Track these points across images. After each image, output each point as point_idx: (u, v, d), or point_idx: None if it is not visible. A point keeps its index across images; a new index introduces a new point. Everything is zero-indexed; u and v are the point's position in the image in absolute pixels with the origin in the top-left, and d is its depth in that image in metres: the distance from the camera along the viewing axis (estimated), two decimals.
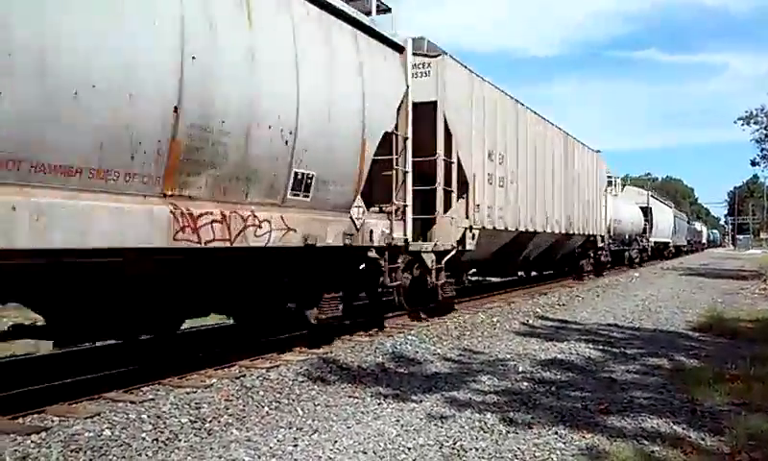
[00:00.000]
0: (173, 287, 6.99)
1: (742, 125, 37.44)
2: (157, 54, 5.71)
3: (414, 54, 10.84)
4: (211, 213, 6.36)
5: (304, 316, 8.52)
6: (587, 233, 22.59)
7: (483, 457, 4.77)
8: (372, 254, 9.56)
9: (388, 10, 10.18)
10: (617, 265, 30.11)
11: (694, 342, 10.05)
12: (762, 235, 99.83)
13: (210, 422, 5.49)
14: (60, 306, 6.39)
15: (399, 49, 10.04)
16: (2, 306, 6.96)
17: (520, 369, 7.77)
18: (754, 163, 43.27)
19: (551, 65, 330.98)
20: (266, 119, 6.93)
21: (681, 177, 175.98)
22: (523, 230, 15.80)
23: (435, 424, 5.48)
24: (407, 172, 10.17)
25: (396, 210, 9.93)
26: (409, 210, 10.23)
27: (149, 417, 5.40)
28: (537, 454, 4.82)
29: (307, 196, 7.81)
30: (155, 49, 5.68)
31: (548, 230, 17.89)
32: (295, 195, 7.59)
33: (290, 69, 7.31)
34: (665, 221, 46.09)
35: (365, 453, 4.79)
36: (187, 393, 6.20)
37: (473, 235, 12.68)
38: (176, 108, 5.86)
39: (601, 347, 9.38)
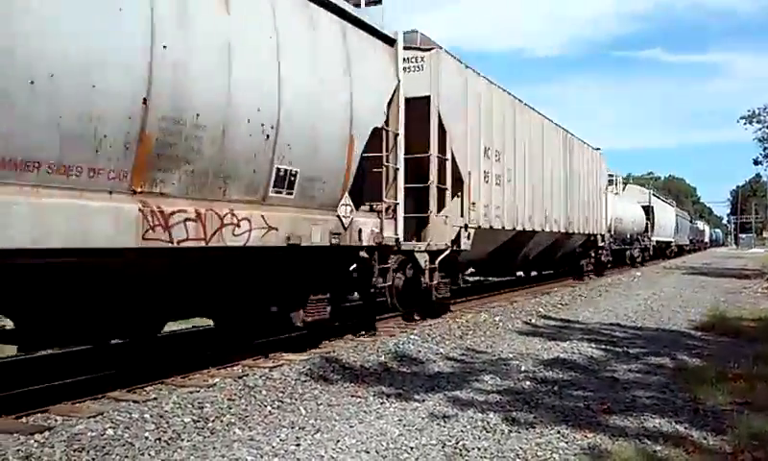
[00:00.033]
0: (147, 289, 6.65)
1: (745, 124, 37.09)
2: (124, 40, 5.38)
3: (406, 48, 10.58)
4: (185, 211, 6.02)
5: (289, 319, 8.19)
6: (587, 233, 22.29)
7: (485, 457, 4.76)
8: (363, 253, 9.24)
9: (378, 1, 9.88)
10: (619, 265, 29.93)
11: (697, 341, 10.01)
12: (765, 234, 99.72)
13: (213, 421, 5.48)
14: (24, 310, 6.06)
15: (390, 42, 9.72)
16: None
17: (523, 368, 7.75)
18: (756, 162, 42.88)
19: (556, 65, 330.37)
20: (245, 112, 6.61)
21: (683, 176, 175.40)
22: (521, 229, 15.46)
23: (437, 424, 5.46)
24: (398, 169, 9.85)
25: (387, 209, 9.60)
26: (400, 209, 9.91)
27: (152, 416, 5.37)
28: (539, 454, 4.80)
29: (291, 193, 7.47)
30: (120, 36, 5.34)
31: (547, 230, 17.56)
32: (277, 192, 7.26)
33: (271, 60, 6.97)
34: (667, 220, 45.86)
35: (367, 453, 4.79)
36: (190, 392, 6.17)
37: (469, 235, 12.36)
38: (145, 99, 5.54)
39: (603, 346, 9.36)
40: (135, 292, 6.55)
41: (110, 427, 5.04)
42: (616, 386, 6.92)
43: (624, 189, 38.70)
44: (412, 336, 9.46)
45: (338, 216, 8.36)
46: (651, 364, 8.09)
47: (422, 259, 11.16)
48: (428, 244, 11.32)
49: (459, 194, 12.24)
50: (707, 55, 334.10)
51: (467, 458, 4.73)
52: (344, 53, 8.33)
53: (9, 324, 7.09)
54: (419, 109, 11.05)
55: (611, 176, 31.24)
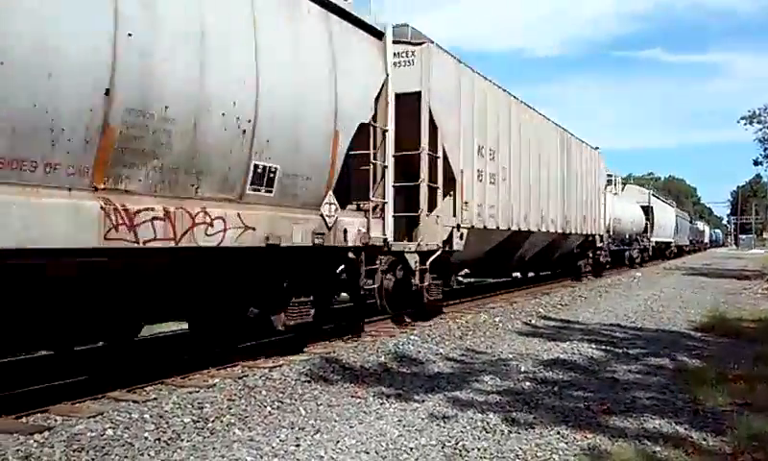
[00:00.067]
0: (114, 292, 6.29)
1: (745, 124, 36.77)
2: (84, 25, 5.03)
3: (396, 42, 10.25)
4: (152, 209, 5.68)
5: (270, 322, 7.84)
6: (585, 233, 21.94)
7: (485, 457, 4.75)
8: (351, 254, 8.90)
9: None
10: (618, 265, 29.65)
11: (697, 342, 9.94)
12: (765, 235, 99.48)
13: (213, 421, 5.45)
14: None
15: (378, 35, 9.37)
16: None
17: (523, 369, 7.71)
18: (756, 163, 42.55)
19: (556, 65, 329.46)
20: (218, 105, 6.26)
21: (683, 176, 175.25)
22: (516, 229, 15.10)
23: (437, 424, 5.44)
24: (387, 166, 9.50)
25: (375, 208, 9.26)
26: (389, 208, 9.56)
27: (151, 416, 5.36)
28: (539, 454, 4.79)
29: (270, 191, 7.12)
30: (80, 21, 5.00)
31: (543, 230, 17.20)
32: (255, 190, 6.91)
33: (248, 50, 6.63)
34: (667, 220, 45.57)
35: (367, 453, 4.77)
36: (190, 392, 6.14)
37: (461, 235, 12.00)
38: (108, 90, 5.21)
39: (603, 347, 9.29)
40: (102, 295, 6.19)
41: (110, 427, 5.05)
42: (616, 387, 6.89)
43: (623, 189, 38.40)
44: (412, 337, 9.38)
45: (321, 215, 8.01)
46: (651, 365, 8.05)
47: (413, 260, 10.82)
48: (419, 244, 10.97)
49: (451, 193, 11.89)
50: (707, 55, 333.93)
51: (466, 459, 4.72)
52: (328, 44, 7.98)
53: None
54: (409, 105, 10.72)
55: (609, 176, 30.94)
